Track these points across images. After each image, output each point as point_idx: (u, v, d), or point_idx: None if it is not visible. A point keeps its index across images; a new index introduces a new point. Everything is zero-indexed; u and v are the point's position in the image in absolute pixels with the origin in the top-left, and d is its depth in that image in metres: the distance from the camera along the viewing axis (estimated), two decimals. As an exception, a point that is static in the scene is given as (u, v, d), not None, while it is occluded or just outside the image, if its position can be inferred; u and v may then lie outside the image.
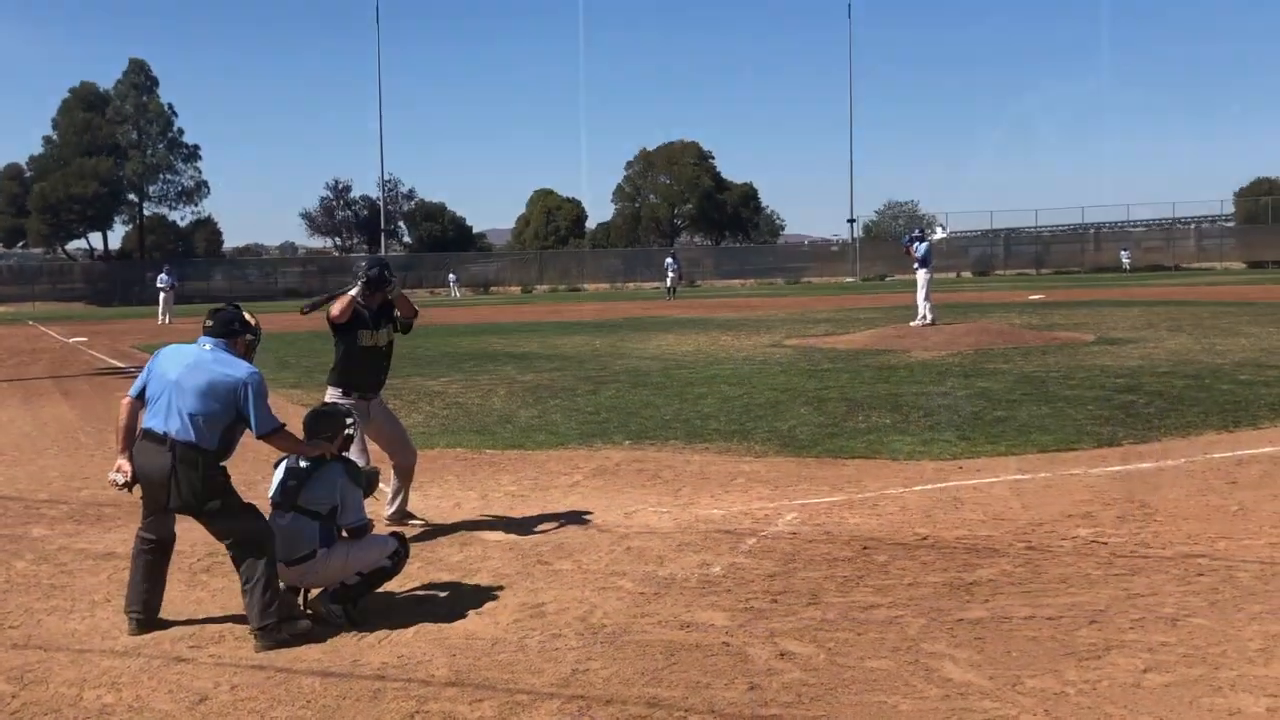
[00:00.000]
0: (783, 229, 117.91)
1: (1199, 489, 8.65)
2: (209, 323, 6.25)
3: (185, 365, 6.05)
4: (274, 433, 6.08)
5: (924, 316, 24.46)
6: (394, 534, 6.77)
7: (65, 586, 7.07)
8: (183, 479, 5.88)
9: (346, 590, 6.22)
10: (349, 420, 6.73)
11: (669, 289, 56.01)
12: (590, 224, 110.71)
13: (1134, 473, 9.34)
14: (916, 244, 25.24)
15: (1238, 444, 10.44)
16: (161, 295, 44.36)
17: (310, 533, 6.22)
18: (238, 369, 6.05)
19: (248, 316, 6.36)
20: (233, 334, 6.24)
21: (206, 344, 6.17)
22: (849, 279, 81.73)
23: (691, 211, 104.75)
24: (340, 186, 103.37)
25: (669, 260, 58.60)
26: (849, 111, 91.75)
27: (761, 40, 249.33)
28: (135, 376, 6.43)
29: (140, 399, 6.14)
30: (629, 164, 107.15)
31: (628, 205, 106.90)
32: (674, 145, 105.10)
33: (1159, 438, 10.87)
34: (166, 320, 42.82)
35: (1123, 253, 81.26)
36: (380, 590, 6.52)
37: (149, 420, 6.02)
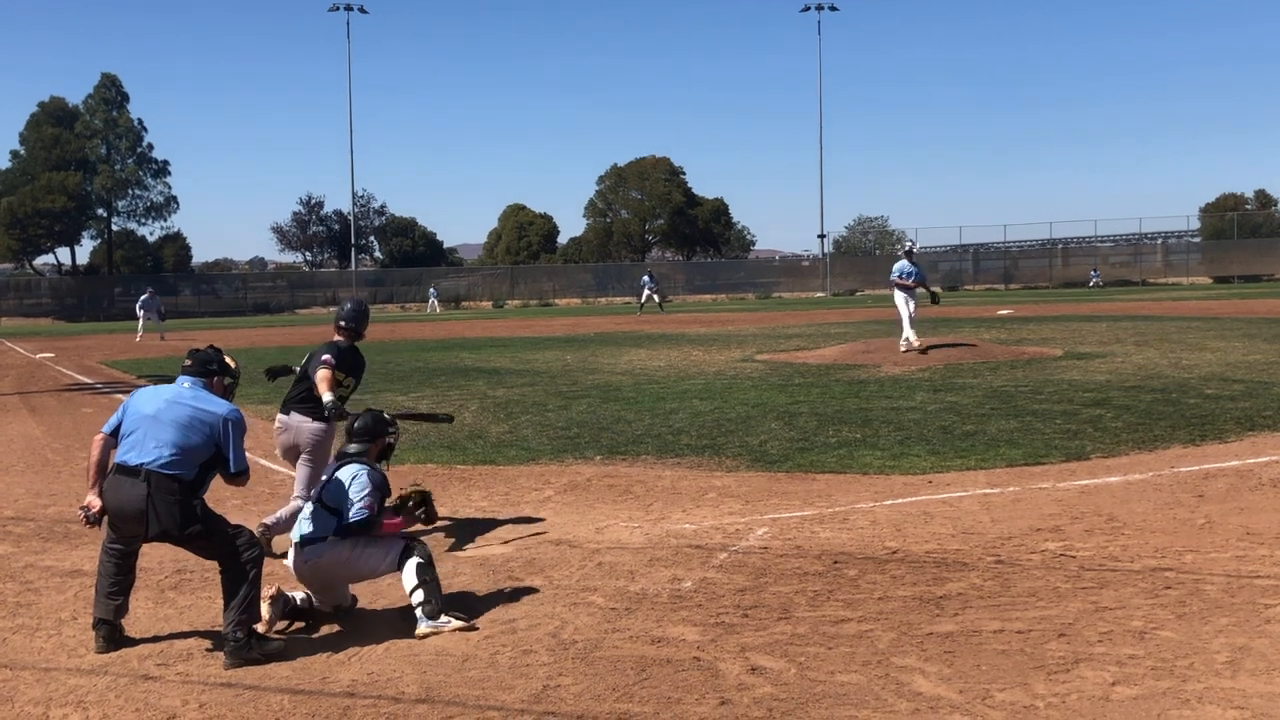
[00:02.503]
0: (753, 244, 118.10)
1: (1166, 503, 8.71)
2: (187, 362, 6.36)
3: (164, 400, 6.13)
4: (243, 473, 6.22)
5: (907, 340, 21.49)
6: (403, 536, 6.70)
7: (31, 605, 7.00)
8: (160, 507, 5.89)
9: (423, 603, 6.23)
10: (391, 430, 7.05)
11: (643, 304, 54.82)
12: (562, 239, 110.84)
13: (1102, 486, 9.40)
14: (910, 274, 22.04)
15: (1204, 458, 10.52)
16: (142, 317, 42.95)
17: (328, 523, 6.40)
18: (219, 405, 6.18)
19: (227, 359, 6.48)
20: (210, 374, 6.34)
21: (185, 382, 6.26)
22: (820, 294, 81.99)
23: (663, 226, 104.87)
24: (312, 201, 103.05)
25: (645, 278, 57.60)
26: (819, 127, 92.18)
27: (732, 57, 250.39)
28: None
29: (114, 436, 6.16)
30: (600, 179, 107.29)
31: (599, 220, 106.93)
32: (645, 160, 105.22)
33: (1126, 451, 10.94)
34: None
35: (1092, 272, 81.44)
36: (350, 607, 6.55)
37: (122, 455, 6.04)
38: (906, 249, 23.39)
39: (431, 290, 79.53)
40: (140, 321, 42.86)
